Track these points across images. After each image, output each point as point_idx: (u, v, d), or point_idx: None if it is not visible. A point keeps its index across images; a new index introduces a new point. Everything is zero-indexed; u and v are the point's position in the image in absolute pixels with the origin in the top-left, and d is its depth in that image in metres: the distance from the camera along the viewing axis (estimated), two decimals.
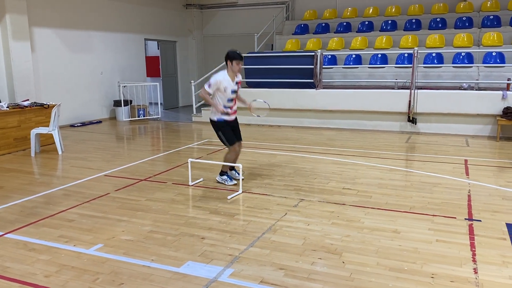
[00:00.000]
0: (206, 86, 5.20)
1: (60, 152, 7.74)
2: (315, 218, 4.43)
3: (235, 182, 5.61)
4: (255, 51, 12.64)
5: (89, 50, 11.55)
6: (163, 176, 6.18)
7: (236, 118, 5.58)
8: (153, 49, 16.13)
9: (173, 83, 15.11)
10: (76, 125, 11.04)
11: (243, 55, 10.91)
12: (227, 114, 5.36)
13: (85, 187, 5.65)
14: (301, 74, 10.45)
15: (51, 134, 7.77)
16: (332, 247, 3.74)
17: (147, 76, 14.13)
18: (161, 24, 14.17)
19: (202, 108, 11.58)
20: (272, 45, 13.58)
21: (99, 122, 11.74)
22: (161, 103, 13.27)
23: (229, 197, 5.13)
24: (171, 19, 14.65)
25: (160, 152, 7.89)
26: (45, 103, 8.58)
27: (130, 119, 12.04)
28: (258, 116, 5.88)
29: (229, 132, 5.41)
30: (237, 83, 5.39)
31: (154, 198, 5.17)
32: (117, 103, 12.04)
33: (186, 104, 15.27)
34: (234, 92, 5.36)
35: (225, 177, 5.66)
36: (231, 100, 5.34)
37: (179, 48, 15.22)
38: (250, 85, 11.08)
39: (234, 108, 5.48)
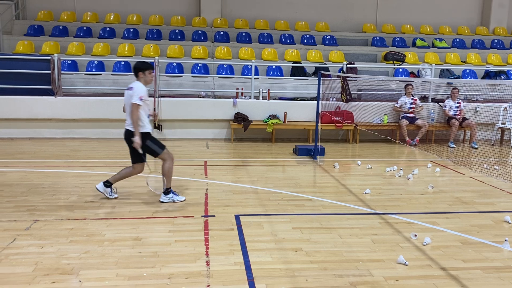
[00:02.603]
0: (137, 100, 4.82)
1: None
2: (50, 239, 4.03)
3: (184, 198, 5.31)
4: None
5: None
6: None
7: None
8: None
9: None
10: None
11: None
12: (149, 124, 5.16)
13: None
14: (37, 80, 9.40)
15: None
16: (68, 267, 3.46)
17: None
18: None
19: None
20: None
21: None
22: None
23: None
24: None
25: None
26: None
27: None
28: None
29: (155, 138, 5.18)
30: None
31: None
32: None
33: None
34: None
35: (171, 195, 5.24)
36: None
37: None
38: None
39: None
